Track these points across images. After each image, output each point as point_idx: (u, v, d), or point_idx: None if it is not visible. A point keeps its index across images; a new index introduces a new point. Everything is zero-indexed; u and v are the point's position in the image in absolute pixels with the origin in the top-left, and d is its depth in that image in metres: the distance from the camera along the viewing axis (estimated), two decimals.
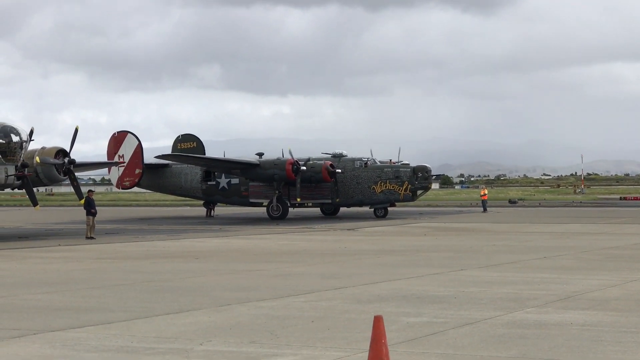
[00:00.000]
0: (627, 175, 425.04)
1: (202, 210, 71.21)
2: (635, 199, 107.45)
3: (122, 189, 69.05)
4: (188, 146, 68.22)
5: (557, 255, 29.50)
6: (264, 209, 63.96)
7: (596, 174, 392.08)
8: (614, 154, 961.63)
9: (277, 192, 61.64)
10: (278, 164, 60.38)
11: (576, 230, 44.49)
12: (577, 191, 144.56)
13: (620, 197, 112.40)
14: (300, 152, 63.30)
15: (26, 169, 41.14)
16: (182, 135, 70.07)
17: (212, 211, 68.94)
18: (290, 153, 60.77)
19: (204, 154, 66.71)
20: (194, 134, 70.17)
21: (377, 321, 9.34)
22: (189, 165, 66.32)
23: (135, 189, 72.94)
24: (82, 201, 43.43)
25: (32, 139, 41.49)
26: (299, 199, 61.16)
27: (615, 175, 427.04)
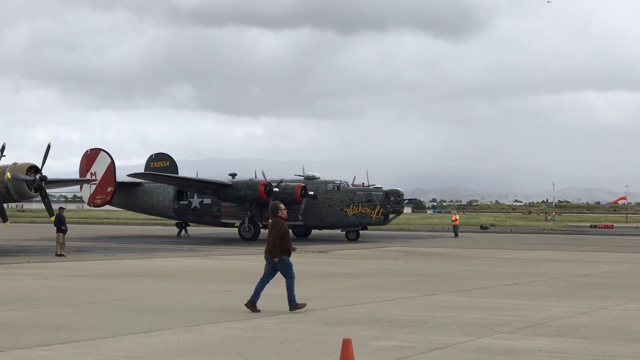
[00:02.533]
0: (598, 203, 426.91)
1: (174, 230, 70.92)
2: (606, 227, 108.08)
3: (94, 206, 68.77)
4: (161, 165, 68.06)
5: (527, 281, 29.58)
6: (235, 230, 63.84)
7: (567, 202, 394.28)
8: (585, 182, 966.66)
9: (249, 212, 61.56)
10: (251, 184, 60.31)
11: (547, 257, 44.64)
12: (548, 218, 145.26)
13: (591, 225, 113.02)
14: (274, 174, 63.25)
15: None
16: (155, 154, 69.89)
17: (186, 231, 68.60)
18: (264, 174, 60.72)
19: (177, 173, 66.56)
20: (167, 153, 70.03)
21: (346, 344, 9.33)
22: (161, 184, 66.13)
23: (107, 207, 72.60)
24: (53, 218, 43.18)
25: (3, 154, 41.27)
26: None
27: (586, 202, 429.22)
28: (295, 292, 19.96)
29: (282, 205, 20.70)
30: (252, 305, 19.91)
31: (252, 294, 20.16)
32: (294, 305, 19.93)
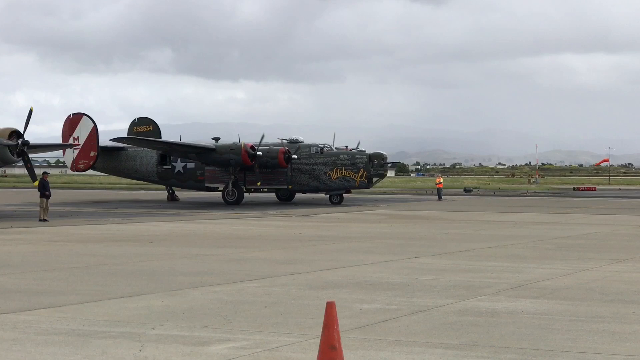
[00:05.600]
0: (581, 165, 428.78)
1: (157, 194, 70.84)
2: (589, 189, 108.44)
3: (77, 171, 68.66)
4: (144, 129, 67.79)
5: (510, 244, 29.71)
6: (219, 194, 63.82)
7: (550, 164, 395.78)
8: (568, 145, 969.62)
9: (233, 177, 61.50)
10: (234, 148, 60.17)
11: (530, 220, 44.83)
12: (531, 181, 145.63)
13: (574, 188, 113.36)
14: (257, 138, 63.08)
15: None
16: (138, 118, 69.60)
17: (175, 194, 68.43)
18: (262, 139, 60.65)
19: (160, 138, 66.35)
20: (150, 118, 69.77)
21: (330, 307, 9.35)
22: (144, 148, 65.94)
23: (90, 171, 72.47)
24: (36, 183, 43.05)
25: None
26: (259, 184, 61.06)
27: (569, 165, 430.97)
28: (279, 256, 20.01)
29: None
30: None
31: None
32: None
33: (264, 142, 61.92)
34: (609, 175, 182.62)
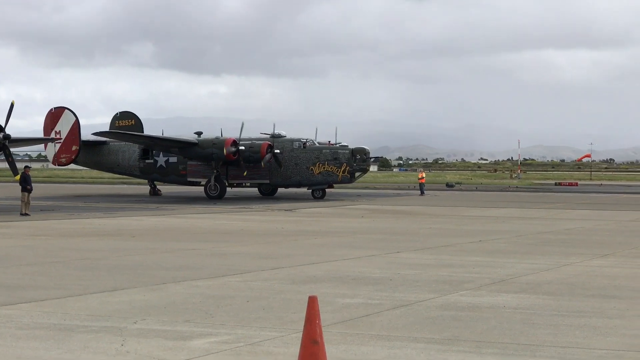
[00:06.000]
0: (563, 161, 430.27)
1: (139, 189, 70.66)
2: (570, 184, 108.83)
3: (59, 165, 68.31)
4: (126, 124, 67.58)
5: (493, 239, 29.78)
6: (201, 188, 63.72)
7: (532, 160, 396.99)
8: (550, 140, 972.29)
9: (215, 171, 61.41)
10: (217, 143, 60.04)
11: (512, 215, 44.94)
12: (513, 176, 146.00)
13: (556, 183, 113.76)
14: (238, 132, 62.85)
15: None
16: (120, 112, 69.39)
17: (157, 189, 68.31)
18: (242, 129, 60.46)
19: (143, 132, 66.18)
20: (133, 112, 69.57)
21: (312, 301, 9.34)
22: (126, 143, 65.74)
23: (72, 165, 72.18)
24: (18, 177, 42.86)
25: None
26: (245, 173, 60.89)
27: (551, 160, 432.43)
28: (261, 250, 20.00)
29: None
30: None
31: None
32: None
33: (246, 136, 61.83)
34: (591, 171, 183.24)
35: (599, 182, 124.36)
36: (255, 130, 66.81)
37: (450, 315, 14.18)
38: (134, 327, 12.87)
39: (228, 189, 63.41)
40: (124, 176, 74.43)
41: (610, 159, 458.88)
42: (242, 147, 60.28)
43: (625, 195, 76.54)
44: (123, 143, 66.01)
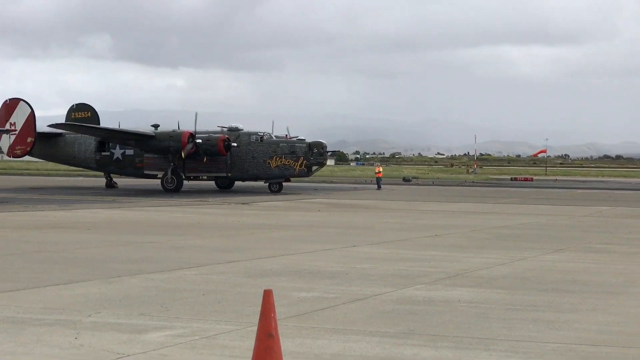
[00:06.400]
0: (519, 156, 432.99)
1: (95, 181, 70.24)
2: (526, 179, 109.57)
3: (14, 157, 67.73)
4: (82, 116, 67.16)
5: (448, 233, 29.94)
6: (158, 181, 63.46)
7: (489, 155, 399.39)
8: (506, 135, 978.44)
9: (172, 164, 61.19)
10: (174, 136, 59.85)
11: (467, 210, 45.19)
12: (469, 171, 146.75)
13: (511, 178, 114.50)
14: (197, 126, 62.63)
15: None
16: (76, 104, 68.91)
17: (113, 181, 67.90)
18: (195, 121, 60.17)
19: (99, 124, 65.80)
20: (89, 104, 69.12)
21: (267, 295, 9.35)
22: (82, 135, 65.29)
23: (27, 157, 71.55)
24: None
25: None
26: (183, 154, 60.30)
27: (507, 156, 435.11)
28: (218, 244, 19.98)
29: None
30: None
31: None
32: None
33: (203, 129, 61.70)
34: (546, 166, 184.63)
35: (554, 178, 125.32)
36: (213, 123, 66.61)
37: (405, 309, 14.25)
38: (88, 320, 12.81)
39: (185, 181, 63.21)
40: (80, 169, 73.97)
41: (565, 155, 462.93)
42: (200, 140, 60.14)
43: (579, 191, 77.21)
44: (79, 135, 65.55)
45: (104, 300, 14.55)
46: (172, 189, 60.44)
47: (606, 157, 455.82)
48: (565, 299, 15.59)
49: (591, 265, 21.28)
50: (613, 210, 46.73)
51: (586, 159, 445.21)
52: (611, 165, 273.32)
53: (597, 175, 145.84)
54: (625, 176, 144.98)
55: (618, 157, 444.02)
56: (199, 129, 61.55)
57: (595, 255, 23.75)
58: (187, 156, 60.27)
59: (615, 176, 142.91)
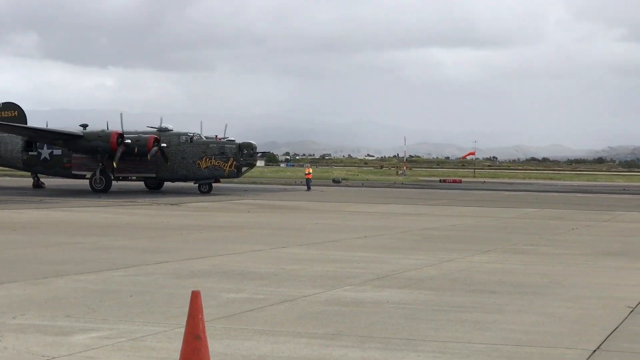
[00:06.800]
0: (448, 158, 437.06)
1: (22, 181, 69.34)
2: (454, 181, 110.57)
3: None
4: (9, 115, 66.19)
5: (378, 234, 30.06)
6: (87, 181, 62.85)
7: (418, 157, 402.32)
8: (435, 137, 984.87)
9: (100, 164, 60.65)
10: (102, 136, 59.38)
11: (397, 211, 45.44)
12: (399, 173, 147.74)
13: (440, 180, 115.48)
14: (126, 126, 62.21)
15: None
16: (2, 103, 67.91)
17: (40, 181, 67.05)
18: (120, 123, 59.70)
19: (26, 124, 64.96)
20: (16, 103, 68.20)
21: (195, 296, 9.30)
22: (9, 134, 64.40)
23: None
24: None
25: None
26: (115, 164, 59.94)
27: (436, 158, 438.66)
28: (146, 245, 19.83)
29: None
30: None
31: None
32: None
33: (133, 129, 61.26)
34: (474, 168, 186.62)
35: (482, 180, 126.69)
36: (142, 123, 66.17)
37: (334, 310, 14.27)
38: (12, 322, 12.62)
39: (114, 182, 62.70)
40: (7, 168, 72.98)
41: (493, 157, 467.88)
42: (129, 140, 59.72)
43: (506, 193, 78.10)
44: (5, 134, 64.64)
45: (29, 302, 14.35)
46: (101, 190, 59.91)
47: (533, 159, 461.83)
48: (492, 300, 15.74)
49: (517, 266, 21.52)
50: (539, 212, 47.34)
51: (514, 161, 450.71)
52: (538, 168, 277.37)
53: (524, 178, 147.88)
54: (551, 178, 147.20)
55: (545, 159, 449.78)
56: (128, 129, 61.07)
57: (521, 256, 24.03)
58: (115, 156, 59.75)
59: (541, 178, 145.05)
